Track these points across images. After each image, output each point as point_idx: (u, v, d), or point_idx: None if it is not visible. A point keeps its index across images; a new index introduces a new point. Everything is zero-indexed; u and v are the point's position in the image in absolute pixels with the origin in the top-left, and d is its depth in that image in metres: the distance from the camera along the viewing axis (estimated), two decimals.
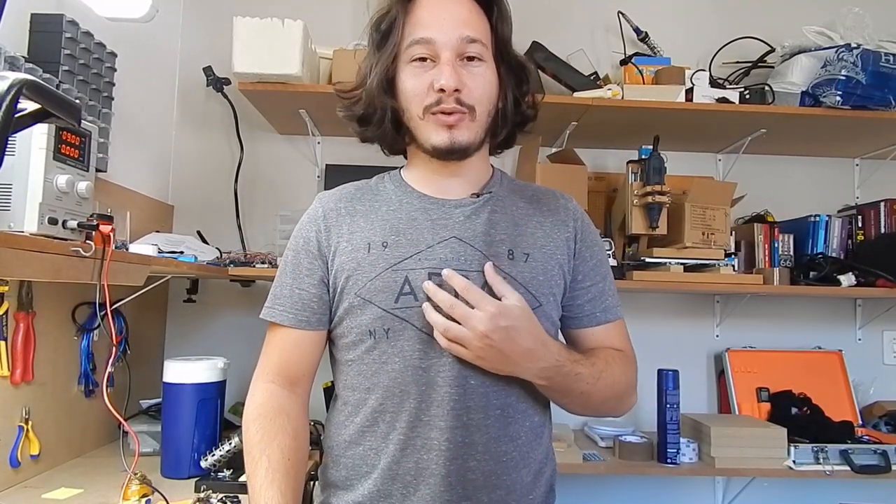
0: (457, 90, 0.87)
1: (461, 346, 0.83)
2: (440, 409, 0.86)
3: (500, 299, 0.84)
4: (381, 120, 0.94)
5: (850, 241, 2.03)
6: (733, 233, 1.92)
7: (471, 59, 0.89)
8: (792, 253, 2.00)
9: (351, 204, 0.97)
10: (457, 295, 0.84)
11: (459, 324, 0.83)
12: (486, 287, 0.86)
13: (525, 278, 0.91)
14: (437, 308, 0.85)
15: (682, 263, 1.80)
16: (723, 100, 1.84)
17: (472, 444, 0.87)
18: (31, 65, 1.21)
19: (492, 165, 1.03)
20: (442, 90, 0.87)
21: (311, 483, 1.27)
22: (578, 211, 1.02)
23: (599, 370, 0.91)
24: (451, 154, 0.90)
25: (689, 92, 1.86)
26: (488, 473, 0.87)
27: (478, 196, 0.95)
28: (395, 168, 1.03)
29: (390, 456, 0.88)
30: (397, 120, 0.94)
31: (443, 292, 0.84)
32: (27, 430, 1.29)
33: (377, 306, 0.88)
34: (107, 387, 1.19)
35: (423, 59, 0.89)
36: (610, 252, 1.80)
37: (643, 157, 1.84)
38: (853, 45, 1.81)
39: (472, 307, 0.82)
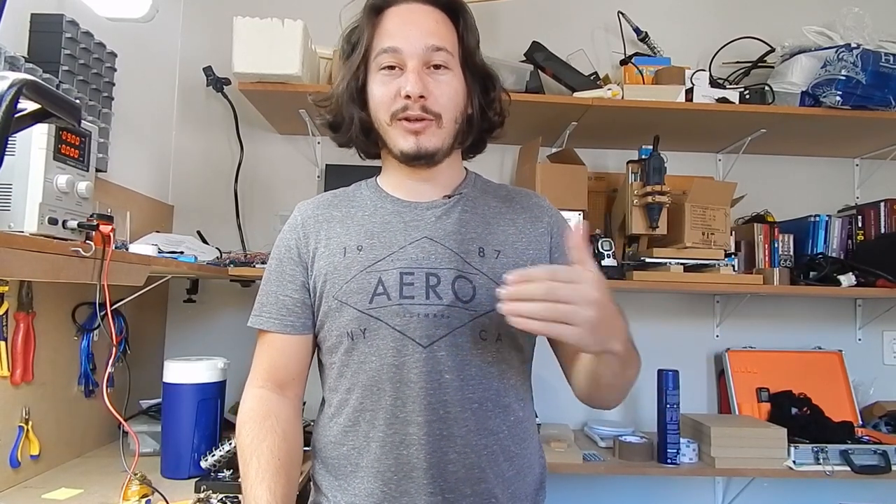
0: (422, 97, 0.89)
1: (565, 326, 0.72)
2: (415, 404, 0.87)
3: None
4: (348, 127, 0.98)
5: (850, 241, 2.03)
6: (733, 233, 1.91)
7: (437, 67, 0.92)
8: (792, 253, 2.00)
9: (328, 211, 1.01)
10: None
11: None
12: (459, 281, 0.89)
13: (496, 274, 0.92)
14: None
15: (682, 263, 1.80)
16: (723, 100, 1.84)
17: (451, 437, 0.87)
18: (31, 65, 1.21)
19: (466, 168, 1.05)
20: (408, 97, 0.89)
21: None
22: (552, 208, 1.04)
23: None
24: (419, 160, 0.93)
25: (689, 92, 1.86)
26: (470, 466, 0.88)
27: (449, 198, 0.98)
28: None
29: (372, 454, 0.89)
30: (367, 127, 0.97)
31: (528, 284, 0.72)
32: (27, 430, 1.29)
33: (353, 307, 0.91)
34: (107, 387, 1.19)
35: (391, 68, 0.92)
36: (610, 252, 1.80)
37: (643, 157, 1.84)
38: (853, 45, 1.81)
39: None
